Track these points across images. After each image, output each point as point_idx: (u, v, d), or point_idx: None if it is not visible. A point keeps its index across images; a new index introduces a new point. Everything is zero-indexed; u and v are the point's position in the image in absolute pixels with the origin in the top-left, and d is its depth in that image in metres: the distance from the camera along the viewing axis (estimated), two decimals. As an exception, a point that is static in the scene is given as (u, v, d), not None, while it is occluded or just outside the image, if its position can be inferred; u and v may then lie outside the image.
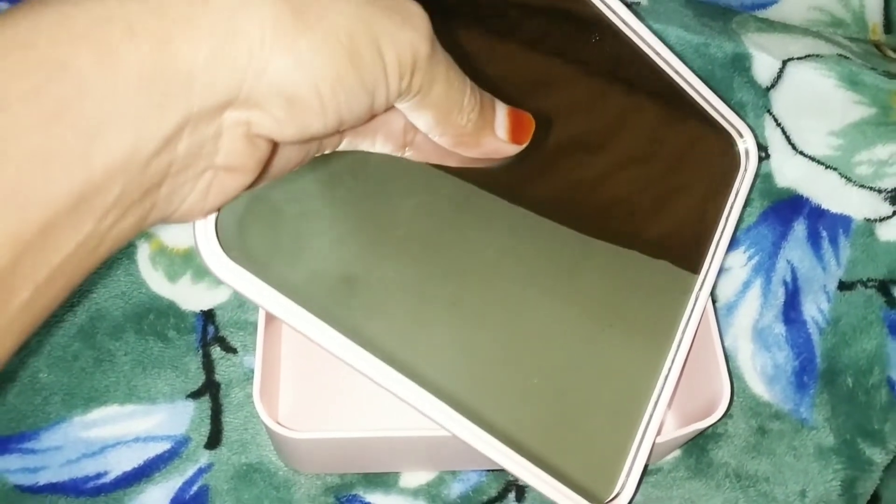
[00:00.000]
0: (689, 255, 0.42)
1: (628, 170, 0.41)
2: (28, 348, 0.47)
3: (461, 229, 0.35)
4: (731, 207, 0.44)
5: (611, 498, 0.37)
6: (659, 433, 0.39)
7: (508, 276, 0.37)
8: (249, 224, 0.30)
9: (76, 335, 0.47)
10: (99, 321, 0.48)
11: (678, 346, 0.40)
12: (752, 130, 0.45)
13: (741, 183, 0.45)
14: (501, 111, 0.31)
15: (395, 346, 0.32)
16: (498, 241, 0.36)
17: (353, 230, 0.33)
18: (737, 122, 0.45)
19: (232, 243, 0.28)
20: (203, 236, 0.28)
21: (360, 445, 0.41)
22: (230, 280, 0.29)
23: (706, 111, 0.44)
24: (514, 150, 0.32)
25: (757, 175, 0.46)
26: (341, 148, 0.31)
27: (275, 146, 0.26)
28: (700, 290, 0.41)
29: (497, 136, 0.31)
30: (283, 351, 0.48)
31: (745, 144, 0.45)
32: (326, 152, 0.30)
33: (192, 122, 0.22)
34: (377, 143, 0.31)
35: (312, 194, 0.32)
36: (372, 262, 0.33)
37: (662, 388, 0.39)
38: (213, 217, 0.28)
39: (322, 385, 0.47)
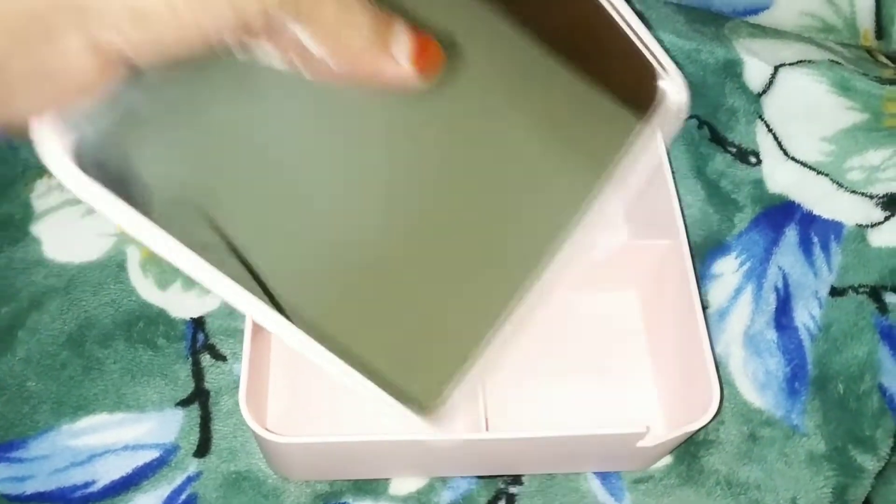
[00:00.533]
0: (578, 180, 0.38)
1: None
2: (16, 356, 0.47)
3: (339, 145, 0.34)
4: (639, 147, 0.39)
5: (435, 405, 0.35)
6: (502, 349, 0.37)
7: (374, 177, 0.35)
8: (109, 133, 0.27)
9: (65, 343, 0.47)
10: (88, 329, 0.48)
11: (540, 277, 0.37)
12: (684, 75, 0.41)
13: (657, 120, 0.41)
14: (402, 34, 0.28)
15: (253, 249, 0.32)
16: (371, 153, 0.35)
17: (223, 147, 0.31)
18: (666, 62, 0.41)
19: (88, 150, 0.26)
20: (47, 138, 0.25)
21: (347, 450, 0.41)
22: (80, 193, 0.26)
23: (633, 43, 0.41)
24: (419, 80, 0.28)
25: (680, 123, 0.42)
26: (239, 55, 0.28)
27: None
28: (580, 224, 0.38)
29: (398, 61, 0.28)
30: (272, 357, 0.48)
31: (668, 85, 0.41)
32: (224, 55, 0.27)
33: (33, 21, 0.21)
34: (273, 57, 0.28)
35: (190, 104, 0.30)
36: (236, 179, 0.32)
37: (514, 307, 0.36)
38: (67, 120, 0.25)
39: (312, 392, 0.47)
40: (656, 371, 0.48)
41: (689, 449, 0.47)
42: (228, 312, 0.49)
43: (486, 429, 0.41)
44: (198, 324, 0.49)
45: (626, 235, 0.51)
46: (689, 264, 0.44)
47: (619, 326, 0.50)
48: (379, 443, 0.40)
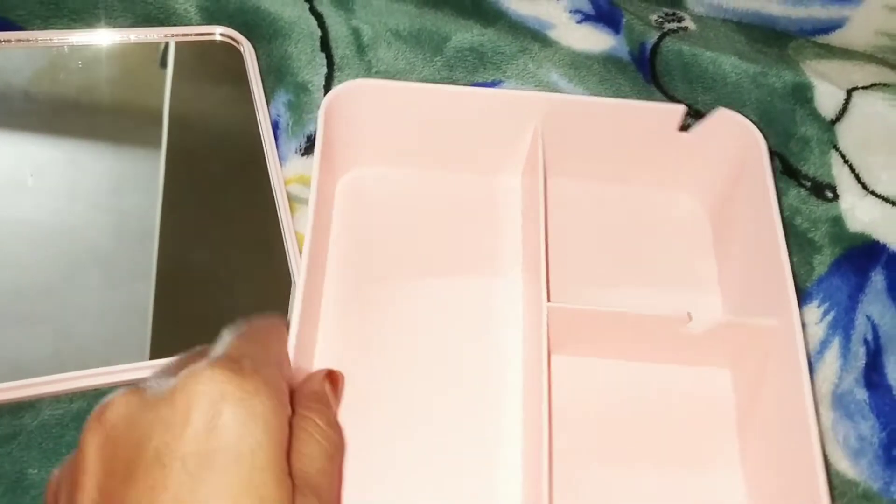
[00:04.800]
0: None
1: None
2: (17, 442, 0.40)
3: None
4: None
5: None
6: None
7: None
8: None
9: (69, 424, 0.41)
10: (94, 402, 0.42)
11: None
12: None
13: None
14: None
15: None
16: None
17: None
18: None
19: None
20: None
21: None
22: None
23: None
24: None
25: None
26: None
27: None
28: None
29: None
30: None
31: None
32: None
33: None
34: None
35: None
36: None
37: None
38: None
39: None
40: (746, 464, 0.42)
41: (783, 530, 0.41)
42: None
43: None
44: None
45: (722, 309, 0.46)
46: (801, 347, 0.38)
47: (705, 408, 0.43)
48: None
